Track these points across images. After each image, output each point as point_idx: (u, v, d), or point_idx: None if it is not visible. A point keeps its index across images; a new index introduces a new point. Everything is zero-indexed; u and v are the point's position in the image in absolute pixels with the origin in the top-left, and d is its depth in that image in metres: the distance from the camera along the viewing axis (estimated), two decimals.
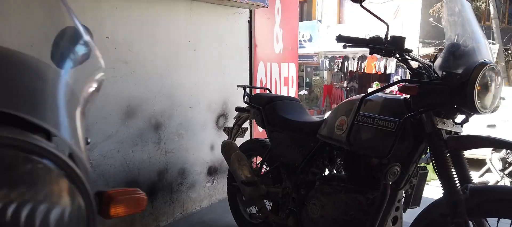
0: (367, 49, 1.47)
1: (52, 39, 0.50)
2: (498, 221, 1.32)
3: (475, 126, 2.07)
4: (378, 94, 1.59)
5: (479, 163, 4.18)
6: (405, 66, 1.51)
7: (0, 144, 0.31)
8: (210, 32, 2.75)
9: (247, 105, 2.31)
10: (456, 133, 1.44)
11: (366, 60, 13.08)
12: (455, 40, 1.41)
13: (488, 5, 9.46)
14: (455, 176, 1.36)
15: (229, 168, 2.32)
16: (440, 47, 10.07)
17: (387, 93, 1.70)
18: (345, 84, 14.79)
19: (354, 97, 1.69)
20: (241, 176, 2.10)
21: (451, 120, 1.44)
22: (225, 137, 2.52)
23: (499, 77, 1.38)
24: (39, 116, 0.34)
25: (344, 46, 1.49)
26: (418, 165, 1.57)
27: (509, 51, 10.00)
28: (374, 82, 11.79)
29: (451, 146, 1.38)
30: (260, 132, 3.25)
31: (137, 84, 2.28)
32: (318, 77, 16.65)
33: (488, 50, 1.41)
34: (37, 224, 0.32)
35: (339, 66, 14.10)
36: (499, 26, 9.53)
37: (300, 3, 3.76)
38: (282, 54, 3.56)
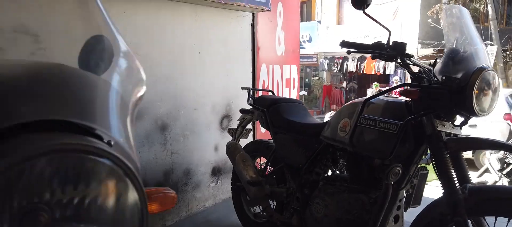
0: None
1: (80, 47, 0.55)
2: (495, 220, 1.37)
3: None
4: (380, 97, 1.65)
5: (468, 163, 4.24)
6: (405, 69, 1.57)
7: (70, 149, 0.36)
8: (214, 35, 2.80)
9: (251, 107, 2.36)
10: (455, 134, 1.50)
11: (365, 61, 13.14)
12: (454, 46, 1.47)
13: (487, 6, 9.53)
14: (454, 176, 1.41)
15: (234, 168, 2.37)
16: (439, 48, 10.14)
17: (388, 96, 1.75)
18: (344, 84, 14.84)
19: (357, 100, 1.75)
20: (246, 176, 2.15)
21: (450, 122, 1.49)
22: (228, 137, 2.57)
23: (496, 81, 1.44)
24: (98, 123, 0.40)
25: (348, 52, 1.54)
26: (419, 166, 1.63)
27: (507, 52, 10.08)
28: (373, 83, 11.85)
29: (451, 147, 1.43)
30: (262, 133, 3.31)
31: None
32: (317, 78, 16.71)
33: (486, 56, 1.47)
34: (101, 217, 0.38)
35: (339, 67, 14.15)
36: (498, 27, 9.61)
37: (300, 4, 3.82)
38: (284, 57, 3.62)
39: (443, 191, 1.43)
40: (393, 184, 1.56)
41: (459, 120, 1.53)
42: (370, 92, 11.50)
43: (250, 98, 2.39)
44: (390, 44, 1.48)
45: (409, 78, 1.58)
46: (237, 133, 2.51)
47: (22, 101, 0.35)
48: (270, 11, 3.01)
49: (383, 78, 12.94)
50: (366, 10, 1.49)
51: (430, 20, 10.31)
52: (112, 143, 0.38)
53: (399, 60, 1.51)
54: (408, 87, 1.48)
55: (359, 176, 1.71)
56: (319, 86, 16.03)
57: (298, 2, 3.84)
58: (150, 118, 2.40)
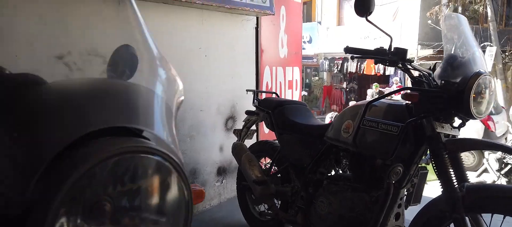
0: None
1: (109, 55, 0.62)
2: (491, 217, 1.45)
3: None
4: (382, 100, 1.72)
5: None
6: (406, 74, 1.65)
7: (131, 150, 0.44)
8: (220, 39, 2.88)
9: (257, 109, 2.43)
10: (453, 136, 1.57)
11: (366, 61, 13.19)
12: (453, 52, 1.55)
13: (486, 8, 9.61)
14: (453, 175, 1.49)
15: (239, 168, 2.44)
16: (439, 49, 10.20)
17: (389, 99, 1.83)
18: (344, 85, 14.91)
19: (360, 103, 1.82)
20: (252, 175, 2.23)
21: (449, 124, 1.57)
22: (233, 138, 2.65)
23: (492, 85, 1.51)
24: (148, 126, 0.48)
25: (352, 58, 1.62)
26: (419, 166, 1.70)
27: (506, 53, 10.15)
28: (373, 84, 11.92)
29: (449, 148, 1.51)
30: (265, 134, 3.38)
31: None
32: (317, 78, 16.76)
33: (483, 61, 1.55)
34: (155, 206, 0.45)
35: (339, 67, 14.22)
36: (497, 28, 9.68)
37: None
38: (286, 59, 3.70)
39: (442, 189, 1.50)
40: (395, 183, 1.63)
41: (457, 122, 1.61)
42: (370, 92, 11.57)
43: (256, 100, 2.46)
44: (392, 50, 1.56)
45: (409, 80, 1.65)
46: (242, 133, 2.58)
47: (94, 112, 0.42)
48: (274, 15, 3.09)
49: (383, 79, 13.01)
50: (368, 18, 1.57)
51: (429, 21, 10.37)
52: (159, 142, 0.46)
53: (400, 65, 1.58)
54: (409, 91, 1.56)
55: (362, 176, 1.78)
56: (319, 87, 16.09)
57: (301, 5, 3.91)
58: None
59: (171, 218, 0.47)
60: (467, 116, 1.50)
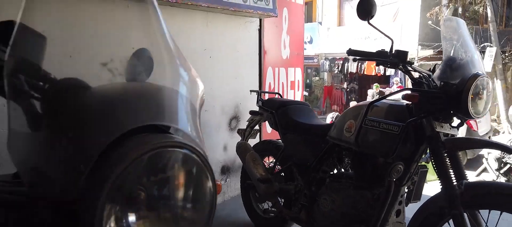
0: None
1: (127, 59, 0.68)
2: (489, 213, 1.51)
3: None
4: (383, 101, 1.78)
5: None
6: (407, 75, 1.70)
7: (164, 145, 0.50)
8: (224, 40, 2.94)
9: (260, 109, 2.49)
10: (452, 135, 1.63)
11: (366, 62, 13.25)
12: (452, 54, 1.60)
13: (486, 9, 9.65)
14: (451, 173, 1.55)
15: (244, 166, 2.50)
16: (439, 49, 10.25)
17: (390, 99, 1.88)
18: (345, 85, 14.95)
19: (361, 103, 1.88)
20: (256, 174, 2.28)
21: (448, 124, 1.63)
22: (236, 138, 2.70)
23: (490, 86, 1.57)
24: (176, 123, 0.54)
25: (354, 59, 1.68)
26: (419, 164, 1.76)
27: (506, 54, 10.19)
28: (374, 84, 11.97)
29: (448, 147, 1.56)
30: (268, 134, 3.44)
31: None
32: (317, 78, 16.81)
33: (481, 63, 1.60)
34: (183, 195, 0.51)
35: (339, 67, 14.26)
36: (497, 29, 9.72)
37: None
38: (289, 60, 3.75)
39: (441, 186, 1.56)
40: (395, 181, 1.69)
41: (456, 121, 1.66)
42: (370, 93, 11.62)
43: (259, 101, 2.52)
44: (393, 52, 1.61)
45: (409, 80, 1.71)
46: (246, 133, 2.64)
47: (130, 112, 0.48)
48: (276, 17, 3.15)
49: (384, 79, 13.06)
50: (371, 21, 1.63)
51: (430, 22, 10.41)
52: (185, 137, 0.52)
53: (401, 67, 1.64)
54: (409, 92, 1.61)
55: (364, 174, 1.84)
56: (320, 87, 16.14)
57: (302, 7, 3.97)
58: None
59: (198, 205, 0.52)
60: (465, 115, 1.55)
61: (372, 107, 1.75)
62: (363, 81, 14.59)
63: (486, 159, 4.15)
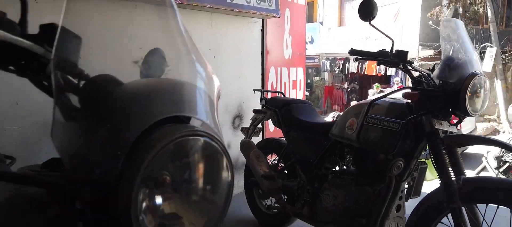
0: None
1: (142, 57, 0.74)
2: (486, 207, 1.56)
3: None
4: (384, 99, 1.83)
5: None
6: (407, 74, 1.76)
7: (185, 134, 0.55)
8: (227, 41, 3.00)
9: (264, 107, 2.55)
10: (451, 132, 1.69)
11: (367, 62, 13.29)
12: (450, 54, 1.66)
13: (486, 9, 9.70)
14: (450, 169, 1.60)
15: (247, 164, 2.55)
16: (439, 50, 10.29)
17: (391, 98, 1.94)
18: (346, 85, 15.00)
19: (363, 101, 1.93)
20: (260, 171, 2.34)
21: (447, 121, 1.68)
22: (239, 136, 2.76)
23: (487, 85, 1.63)
24: (198, 114, 0.59)
25: (356, 59, 1.74)
26: (419, 160, 1.81)
27: (506, 54, 10.24)
28: (375, 84, 12.01)
29: (447, 143, 1.62)
30: (270, 132, 3.50)
31: None
32: (318, 78, 16.85)
33: (478, 62, 1.66)
34: (206, 179, 0.56)
35: (340, 67, 14.31)
36: (497, 29, 9.76)
37: None
38: (291, 60, 3.81)
39: (440, 182, 1.61)
40: (396, 177, 1.74)
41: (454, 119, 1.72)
42: (371, 93, 11.66)
43: (263, 100, 2.58)
44: (394, 52, 1.67)
45: (410, 80, 1.76)
46: (250, 131, 2.70)
47: (159, 105, 0.54)
48: (279, 17, 3.20)
49: (384, 79, 13.10)
50: (372, 22, 1.68)
51: (430, 22, 10.46)
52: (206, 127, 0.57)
53: (401, 67, 1.69)
54: (409, 90, 1.67)
55: (365, 170, 1.89)
56: (321, 87, 16.19)
57: (304, 8, 4.02)
58: None
59: (217, 188, 0.58)
60: (463, 113, 1.61)
61: (373, 105, 1.80)
62: (363, 81, 14.63)
63: (486, 158, 4.21)
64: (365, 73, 13.61)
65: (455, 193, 1.54)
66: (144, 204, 0.50)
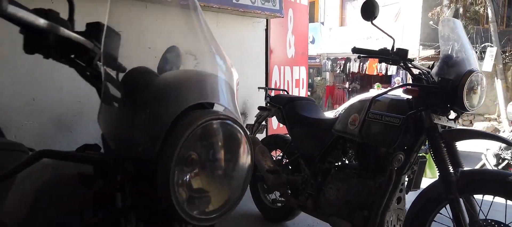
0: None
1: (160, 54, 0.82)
2: (482, 197, 1.64)
3: None
4: (385, 95, 1.91)
5: None
6: (407, 72, 1.84)
7: (212, 118, 0.63)
8: (232, 40, 3.08)
9: (269, 104, 2.62)
10: (449, 127, 1.76)
11: (368, 61, 13.35)
12: (449, 52, 1.74)
13: (486, 9, 9.76)
14: (448, 162, 1.68)
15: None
16: (440, 50, 10.34)
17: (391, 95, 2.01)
18: (347, 85, 15.06)
19: (364, 98, 2.01)
20: (265, 165, 2.42)
21: (445, 117, 1.76)
22: None
23: (484, 82, 1.70)
24: (221, 101, 0.67)
25: (359, 57, 1.81)
26: (419, 155, 1.89)
27: (507, 54, 10.30)
28: (376, 84, 12.06)
29: (446, 138, 1.70)
30: (274, 130, 3.57)
31: None
32: (319, 78, 16.92)
33: (475, 60, 1.74)
34: (229, 159, 0.64)
35: (341, 67, 14.38)
36: (498, 29, 9.82)
37: None
38: (294, 59, 3.89)
39: (438, 174, 1.69)
40: (396, 170, 1.82)
41: (453, 114, 1.79)
42: (372, 92, 11.72)
43: (267, 97, 2.66)
44: (394, 50, 1.75)
45: (410, 79, 1.84)
46: (254, 128, 2.77)
47: (189, 92, 0.62)
48: (283, 17, 3.28)
49: (385, 79, 13.16)
50: (373, 22, 1.76)
51: (431, 22, 10.52)
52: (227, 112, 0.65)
53: (402, 64, 1.77)
54: (410, 86, 1.75)
55: (367, 164, 1.97)
56: (322, 87, 16.25)
57: (307, 8, 4.10)
58: None
59: (238, 167, 0.66)
60: (461, 108, 1.69)
61: (375, 102, 1.88)
62: (365, 81, 14.69)
63: (485, 155, 4.27)
64: (366, 73, 13.67)
65: (453, 185, 1.62)
66: (177, 179, 0.58)
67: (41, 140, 1.93)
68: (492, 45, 9.61)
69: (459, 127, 1.83)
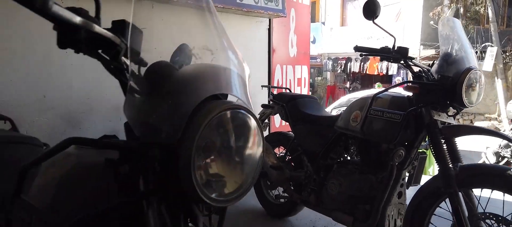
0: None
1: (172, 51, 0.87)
2: (481, 191, 1.69)
3: None
4: (386, 93, 1.96)
5: None
6: (408, 69, 1.89)
7: (228, 108, 0.68)
8: (236, 39, 3.12)
9: (272, 102, 2.68)
10: (449, 123, 1.82)
11: (369, 61, 13.41)
12: (448, 51, 1.79)
13: (487, 9, 9.81)
14: (448, 157, 1.73)
15: None
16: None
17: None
18: (348, 85, 15.11)
19: (366, 95, 2.06)
20: (268, 162, 2.47)
21: (445, 113, 1.81)
22: None
23: (482, 79, 1.76)
24: (235, 93, 0.72)
25: (361, 55, 1.86)
26: (419, 150, 1.94)
27: (507, 54, 10.34)
28: (376, 83, 12.11)
29: (445, 133, 1.75)
30: (276, 128, 3.63)
31: None
32: (320, 78, 16.96)
33: (474, 58, 1.79)
34: (243, 146, 0.69)
35: (342, 67, 14.43)
36: (498, 29, 9.87)
37: None
38: (296, 58, 3.94)
39: (438, 169, 1.74)
40: (397, 165, 1.87)
41: (452, 111, 1.84)
42: (372, 91, 11.75)
43: (270, 95, 2.71)
44: (395, 48, 1.80)
45: (411, 78, 1.89)
46: None
47: (206, 85, 0.67)
48: (285, 17, 3.33)
49: (386, 79, 13.21)
50: (375, 21, 1.81)
51: (432, 22, 10.58)
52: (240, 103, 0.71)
53: (402, 62, 1.82)
54: (410, 84, 1.80)
55: (368, 159, 2.02)
56: (323, 87, 16.30)
57: (309, 8, 4.15)
58: None
59: (251, 154, 0.71)
60: (460, 105, 1.74)
61: (376, 99, 1.93)
62: (365, 81, 14.74)
63: (485, 153, 4.33)
64: (367, 72, 13.71)
65: (452, 179, 1.66)
66: (198, 163, 0.63)
67: (52, 135, 1.99)
68: (492, 45, 9.66)
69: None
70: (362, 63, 13.59)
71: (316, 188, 2.24)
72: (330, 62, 14.80)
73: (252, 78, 2.83)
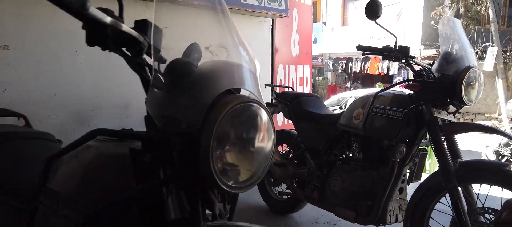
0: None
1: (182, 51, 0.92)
2: (480, 186, 1.74)
3: None
4: (387, 91, 2.01)
5: None
6: (409, 68, 1.94)
7: (242, 101, 0.73)
8: None
9: (275, 101, 2.73)
10: (449, 120, 1.86)
11: (369, 61, 13.45)
12: (448, 50, 1.84)
13: (487, 9, 9.84)
14: (448, 153, 1.78)
15: None
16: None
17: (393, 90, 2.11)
18: (349, 85, 15.15)
19: (367, 94, 2.11)
20: (272, 159, 2.52)
21: (445, 111, 1.86)
22: None
23: (481, 78, 1.81)
24: (248, 87, 0.77)
25: (363, 54, 1.91)
26: (419, 147, 1.99)
27: (508, 53, 10.37)
28: (377, 83, 12.16)
29: (445, 130, 1.80)
30: (278, 126, 3.67)
31: None
32: (321, 78, 17.01)
33: (474, 57, 1.84)
34: (256, 138, 0.74)
35: (343, 67, 14.47)
36: (498, 29, 9.90)
37: None
38: (298, 57, 3.99)
39: (438, 164, 1.79)
40: (399, 161, 1.92)
41: (452, 109, 1.90)
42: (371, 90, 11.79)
43: (274, 94, 2.76)
44: (397, 47, 1.85)
45: (412, 77, 1.94)
46: None
47: (222, 80, 0.72)
48: (288, 17, 3.38)
49: (387, 78, 13.25)
50: (377, 21, 1.86)
51: (433, 22, 10.61)
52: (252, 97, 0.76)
53: (403, 61, 1.87)
54: (411, 82, 1.85)
55: (370, 156, 2.07)
56: (324, 87, 16.34)
57: (311, 8, 4.20)
58: None
59: (263, 144, 0.76)
60: (460, 102, 1.79)
61: (378, 97, 1.98)
62: (366, 81, 14.77)
63: (485, 152, 4.37)
64: (368, 72, 13.76)
65: (452, 174, 1.71)
66: (216, 152, 0.68)
67: (62, 132, 2.04)
68: (493, 45, 9.69)
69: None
70: (363, 63, 13.63)
71: (319, 184, 2.29)
72: (331, 62, 14.84)
73: None
